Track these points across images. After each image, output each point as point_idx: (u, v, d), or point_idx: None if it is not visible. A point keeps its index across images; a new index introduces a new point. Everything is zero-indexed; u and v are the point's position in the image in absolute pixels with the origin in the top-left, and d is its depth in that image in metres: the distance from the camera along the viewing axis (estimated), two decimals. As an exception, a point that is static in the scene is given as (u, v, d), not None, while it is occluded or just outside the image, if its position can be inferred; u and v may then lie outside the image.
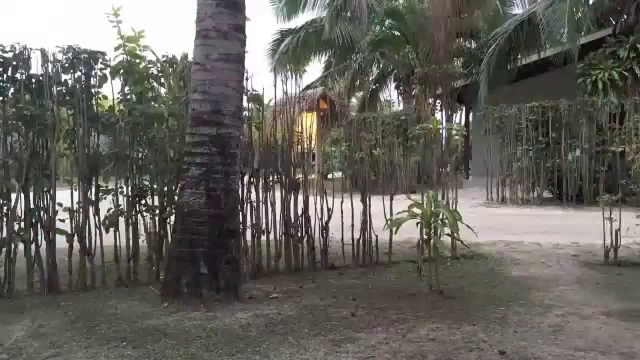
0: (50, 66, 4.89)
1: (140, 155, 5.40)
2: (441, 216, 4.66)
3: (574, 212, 11.18)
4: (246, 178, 5.49)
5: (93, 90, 5.15)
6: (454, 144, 7.14)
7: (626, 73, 13.60)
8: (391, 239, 5.79)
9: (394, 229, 4.99)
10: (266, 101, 5.79)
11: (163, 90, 5.58)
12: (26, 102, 4.83)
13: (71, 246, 4.90)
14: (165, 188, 5.29)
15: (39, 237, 4.84)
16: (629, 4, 14.57)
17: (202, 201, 4.43)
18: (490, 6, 18.28)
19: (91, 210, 5.01)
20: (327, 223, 5.82)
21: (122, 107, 5.29)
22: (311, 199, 5.78)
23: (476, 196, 13.23)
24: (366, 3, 17.62)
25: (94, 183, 5.08)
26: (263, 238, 5.60)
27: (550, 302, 4.38)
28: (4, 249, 4.69)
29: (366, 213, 5.90)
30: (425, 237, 4.79)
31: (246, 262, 5.26)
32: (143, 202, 5.29)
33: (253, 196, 5.55)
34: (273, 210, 5.64)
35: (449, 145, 6.49)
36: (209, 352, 3.31)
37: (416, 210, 4.71)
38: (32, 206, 4.80)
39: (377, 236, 5.88)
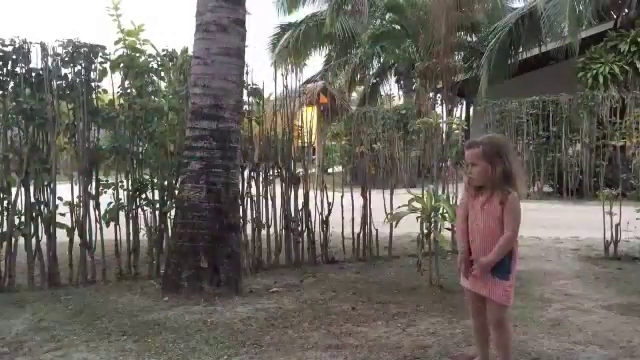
0: (50, 60, 4.88)
1: (140, 149, 5.39)
2: (441, 210, 4.66)
3: (574, 206, 11.17)
4: (246, 172, 5.49)
5: (93, 84, 5.14)
6: (455, 138, 7.14)
7: (627, 67, 13.58)
8: (391, 233, 5.79)
9: (394, 223, 4.99)
10: (266, 95, 5.79)
11: (163, 84, 5.58)
12: (26, 96, 4.81)
13: (71, 240, 4.91)
14: (165, 182, 5.30)
15: (40, 231, 4.84)
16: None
17: (202, 195, 4.43)
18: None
19: (91, 204, 5.02)
20: (327, 217, 5.82)
21: (122, 101, 5.29)
22: (311, 193, 5.78)
23: (476, 190, 13.16)
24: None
25: (94, 177, 5.09)
26: (263, 232, 5.60)
27: (550, 296, 4.39)
28: (5, 243, 4.70)
29: (366, 207, 5.90)
30: (425, 231, 4.79)
31: (246, 256, 5.27)
32: (143, 196, 5.30)
33: (253, 190, 5.55)
34: (273, 204, 5.64)
35: (449, 139, 6.48)
36: (209, 346, 3.32)
37: (416, 204, 4.71)
38: (32, 200, 4.80)
39: (377, 230, 5.89)
